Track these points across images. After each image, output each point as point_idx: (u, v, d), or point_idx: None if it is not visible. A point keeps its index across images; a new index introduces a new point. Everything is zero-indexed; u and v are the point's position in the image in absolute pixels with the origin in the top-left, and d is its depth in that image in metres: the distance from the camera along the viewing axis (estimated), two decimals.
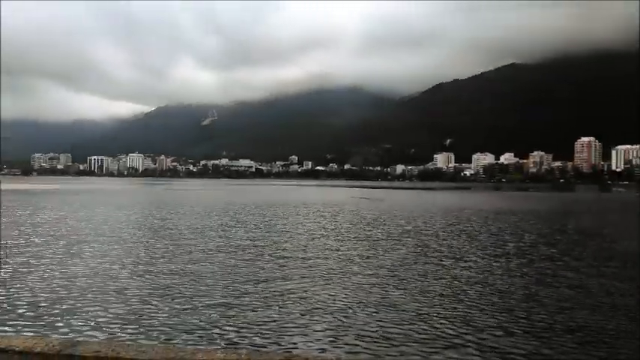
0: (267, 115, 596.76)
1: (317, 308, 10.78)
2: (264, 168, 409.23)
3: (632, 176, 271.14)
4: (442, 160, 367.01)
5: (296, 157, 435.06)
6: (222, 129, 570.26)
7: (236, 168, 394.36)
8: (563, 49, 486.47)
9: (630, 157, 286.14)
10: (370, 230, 27.04)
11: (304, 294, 12.04)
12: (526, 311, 10.72)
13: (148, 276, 13.89)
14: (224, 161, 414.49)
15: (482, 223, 32.78)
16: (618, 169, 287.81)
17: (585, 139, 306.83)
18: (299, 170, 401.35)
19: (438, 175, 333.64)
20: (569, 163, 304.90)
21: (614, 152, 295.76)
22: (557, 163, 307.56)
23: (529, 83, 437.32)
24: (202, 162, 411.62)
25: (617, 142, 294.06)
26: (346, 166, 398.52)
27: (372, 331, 9.25)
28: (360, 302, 11.35)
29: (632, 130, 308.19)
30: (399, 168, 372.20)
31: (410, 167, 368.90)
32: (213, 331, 9.23)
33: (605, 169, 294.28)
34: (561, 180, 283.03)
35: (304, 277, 14.00)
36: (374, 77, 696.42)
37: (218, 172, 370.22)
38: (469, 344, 8.59)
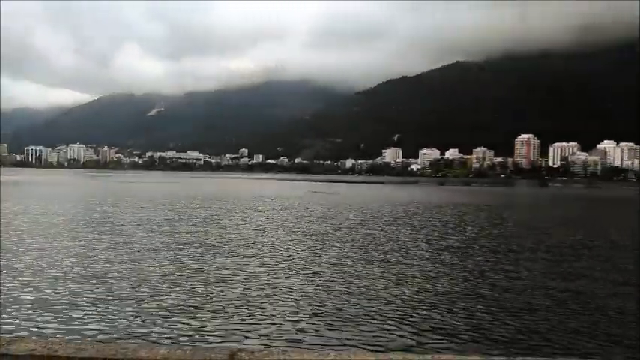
0: (216, 107, 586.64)
1: (263, 303, 10.73)
2: (213, 161, 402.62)
3: (567, 172, 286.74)
4: (390, 155, 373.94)
5: (246, 150, 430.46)
6: (169, 120, 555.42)
7: (184, 160, 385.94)
8: (506, 49, 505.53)
9: (566, 154, 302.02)
10: (319, 224, 27.18)
11: (251, 289, 11.95)
12: (465, 301, 11.11)
13: (87, 272, 13.36)
14: (171, 153, 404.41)
15: (427, 216, 33.68)
16: (555, 166, 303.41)
17: (525, 136, 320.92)
18: (249, 163, 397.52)
19: (386, 169, 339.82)
20: (510, 160, 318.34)
21: (551, 149, 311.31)
22: (499, 160, 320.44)
23: (473, 81, 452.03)
24: (148, 154, 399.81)
25: (555, 140, 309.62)
26: (297, 160, 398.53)
27: (316, 324, 9.30)
28: (306, 296, 11.39)
29: (568, 128, 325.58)
30: (349, 162, 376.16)
31: (360, 162, 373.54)
32: (157, 327, 9.00)
33: (543, 165, 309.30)
34: (502, 175, 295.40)
35: (251, 272, 13.90)
36: (325, 71, 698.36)
37: (165, 165, 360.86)
38: (410, 336, 8.80)
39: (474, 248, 19.64)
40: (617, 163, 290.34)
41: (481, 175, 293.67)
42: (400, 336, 8.78)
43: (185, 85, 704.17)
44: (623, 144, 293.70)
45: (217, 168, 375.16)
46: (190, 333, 8.81)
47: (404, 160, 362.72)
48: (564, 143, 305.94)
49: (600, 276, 14.43)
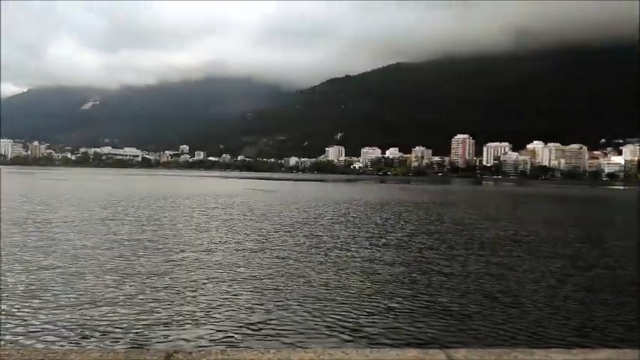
0: (155, 102, 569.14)
1: (201, 303, 10.55)
2: (151, 157, 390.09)
3: (500, 171, 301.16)
4: (334, 153, 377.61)
5: (187, 147, 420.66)
6: (104, 114, 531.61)
7: (120, 157, 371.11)
8: (445, 50, 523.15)
9: (499, 154, 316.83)
10: (261, 222, 27.03)
11: (189, 289, 11.72)
12: (402, 297, 11.43)
13: (12, 273, 12.59)
14: (107, 149, 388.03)
15: (368, 214, 34.32)
16: (489, 165, 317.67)
17: (461, 136, 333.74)
18: (190, 160, 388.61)
19: (329, 167, 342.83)
20: (447, 158, 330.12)
21: (485, 149, 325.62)
22: (436, 158, 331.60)
23: (413, 82, 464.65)
24: (82, 150, 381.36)
25: (488, 140, 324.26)
26: (240, 157, 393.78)
27: (257, 323, 9.27)
28: (246, 295, 11.31)
29: (501, 129, 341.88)
30: (293, 160, 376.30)
31: (303, 159, 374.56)
32: (89, 330, 8.65)
33: (478, 164, 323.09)
34: (439, 174, 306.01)
35: (190, 272, 13.61)
36: (269, 69, 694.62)
37: (100, 161, 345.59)
38: (349, 332, 8.95)
39: (412, 245, 20.21)
40: (545, 163, 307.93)
41: (420, 174, 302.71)
42: (340, 332, 8.90)
43: (122, 79, 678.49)
44: (550, 144, 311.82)
45: (156, 165, 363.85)
46: (125, 335, 8.52)
47: (347, 158, 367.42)
48: (497, 143, 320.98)
49: (529, 268, 15.27)
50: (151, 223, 24.83)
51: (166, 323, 9.16)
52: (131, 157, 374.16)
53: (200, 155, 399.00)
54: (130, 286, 11.83)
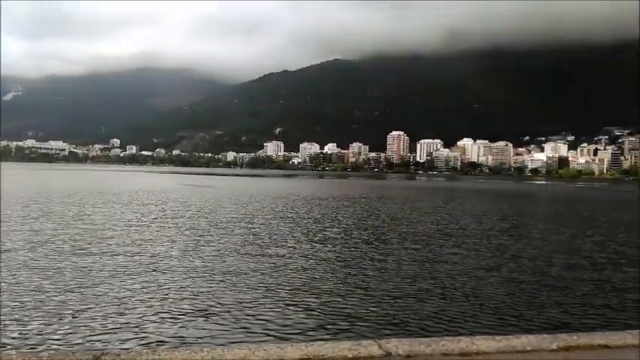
0: (85, 93, 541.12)
1: (132, 302, 10.20)
2: (79, 152, 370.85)
3: (432, 166, 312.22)
4: (272, 149, 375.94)
5: (118, 141, 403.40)
6: (28, 106, 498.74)
7: (45, 151, 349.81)
8: (380, 49, 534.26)
9: (431, 150, 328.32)
10: (196, 219, 26.46)
11: (119, 288, 11.28)
12: (338, 290, 11.61)
13: None
14: (30, 142, 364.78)
15: (307, 209, 34.49)
16: (422, 160, 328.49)
17: (395, 133, 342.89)
18: (121, 155, 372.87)
19: (268, 162, 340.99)
20: (382, 154, 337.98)
21: (418, 145, 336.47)
22: (373, 154, 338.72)
23: (350, 79, 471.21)
24: (2, 143, 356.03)
25: (422, 137, 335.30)
26: (174, 152, 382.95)
27: (190, 322, 9.09)
28: (179, 293, 11.05)
29: (433, 125, 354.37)
30: (230, 155, 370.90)
31: (241, 154, 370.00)
32: (11, 332, 8.13)
33: (412, 159, 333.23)
34: (376, 169, 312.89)
35: (118, 272, 13.09)
36: (205, 61, 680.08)
37: (22, 155, 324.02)
38: (285, 328, 8.98)
39: (348, 240, 20.54)
40: (474, 159, 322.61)
41: (357, 169, 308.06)
42: (275, 328, 8.90)
43: (48, 69, 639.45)
44: (479, 141, 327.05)
45: (85, 159, 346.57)
46: (51, 337, 8.09)
47: (285, 153, 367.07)
48: (430, 140, 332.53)
49: (458, 260, 15.96)
50: (77, 221, 23.64)
51: (94, 325, 8.78)
52: (57, 151, 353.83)
53: (132, 149, 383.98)
54: (54, 287, 11.22)
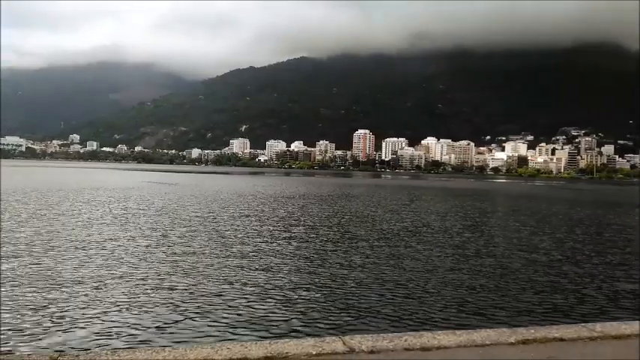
0: (43, 87, 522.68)
1: (91, 302, 9.91)
2: (37, 148, 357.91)
3: (397, 165, 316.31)
4: (238, 146, 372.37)
5: (77, 137, 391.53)
6: None
7: (1, 146, 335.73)
8: (347, 48, 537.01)
9: (396, 149, 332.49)
10: (159, 217, 25.97)
11: (76, 288, 10.95)
12: (302, 289, 11.62)
13: None
14: None
15: (273, 207, 34.35)
16: (387, 159, 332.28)
17: (361, 131, 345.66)
18: (81, 151, 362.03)
19: (234, 160, 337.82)
20: (349, 152, 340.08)
21: (384, 144, 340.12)
22: (339, 152, 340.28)
23: (317, 77, 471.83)
24: None
25: (387, 136, 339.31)
26: (137, 148, 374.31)
27: (152, 322, 8.91)
28: (139, 293, 10.82)
29: (398, 124, 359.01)
30: (195, 152, 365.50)
31: (206, 151, 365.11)
32: None
33: (377, 158, 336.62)
34: (342, 167, 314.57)
35: (77, 271, 12.72)
36: (169, 56, 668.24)
37: None
38: (248, 326, 8.93)
39: (314, 238, 20.58)
40: (438, 157, 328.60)
41: (323, 167, 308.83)
42: (239, 327, 8.84)
43: (4, 61, 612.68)
44: (442, 140, 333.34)
45: (43, 156, 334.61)
46: (6, 339, 7.78)
47: (251, 150, 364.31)
48: (395, 139, 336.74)
49: (422, 257, 16.22)
50: (33, 219, 22.82)
51: (52, 326, 8.49)
52: (13, 147, 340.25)
53: (92, 146, 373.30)
54: (10, 287, 10.79)
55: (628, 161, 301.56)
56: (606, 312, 10.55)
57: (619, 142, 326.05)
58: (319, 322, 9.20)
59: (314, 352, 4.37)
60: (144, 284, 11.60)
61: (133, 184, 60.38)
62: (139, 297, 10.50)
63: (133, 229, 21.06)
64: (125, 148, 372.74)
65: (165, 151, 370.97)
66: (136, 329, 8.56)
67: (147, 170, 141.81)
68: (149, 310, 9.64)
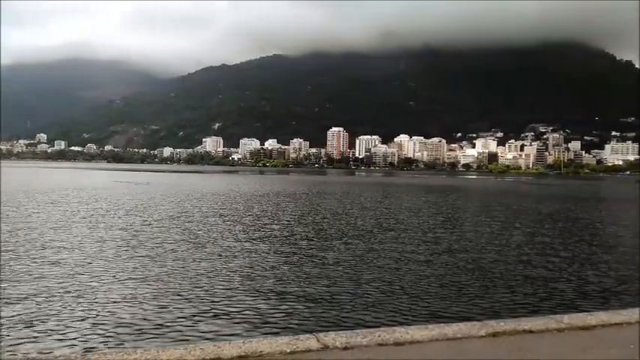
0: (9, 85, 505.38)
1: (55, 308, 9.67)
2: (3, 147, 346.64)
3: (371, 162, 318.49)
4: (211, 144, 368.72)
5: (45, 136, 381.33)
6: None
7: None
8: (319, 45, 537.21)
9: (370, 146, 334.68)
10: (129, 217, 25.50)
11: (42, 291, 10.66)
12: (276, 287, 11.58)
13: None
14: None
15: (246, 205, 34.13)
16: (361, 156, 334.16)
17: (335, 129, 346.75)
18: (49, 151, 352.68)
19: (206, 158, 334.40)
20: (323, 150, 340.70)
21: (357, 141, 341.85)
22: (313, 150, 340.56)
23: (290, 75, 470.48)
24: None
25: (360, 133, 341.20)
26: (107, 148, 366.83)
27: (124, 322, 8.75)
28: (110, 296, 10.61)
29: (372, 122, 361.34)
30: (167, 150, 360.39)
31: (178, 150, 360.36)
32: None
33: (351, 155, 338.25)
34: (316, 165, 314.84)
35: (44, 273, 12.38)
36: (140, 53, 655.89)
37: None
38: (221, 325, 8.86)
39: (288, 236, 20.54)
40: (410, 154, 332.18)
41: (298, 165, 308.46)
42: (212, 327, 8.75)
43: None
44: (415, 138, 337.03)
45: (8, 155, 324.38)
46: None
47: (225, 149, 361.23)
48: (368, 136, 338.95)
49: (396, 254, 16.36)
50: None
51: (18, 331, 8.24)
52: None
53: (61, 145, 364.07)
54: None
55: (594, 157, 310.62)
56: (574, 304, 10.84)
57: (585, 138, 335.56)
58: (294, 321, 9.18)
59: (288, 350, 4.39)
60: (114, 286, 11.37)
61: (102, 184, 59.13)
62: (109, 298, 10.29)
63: (103, 230, 20.62)
64: (94, 147, 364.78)
65: (136, 150, 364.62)
66: (107, 331, 8.39)
67: (117, 170, 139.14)
68: (120, 311, 9.46)
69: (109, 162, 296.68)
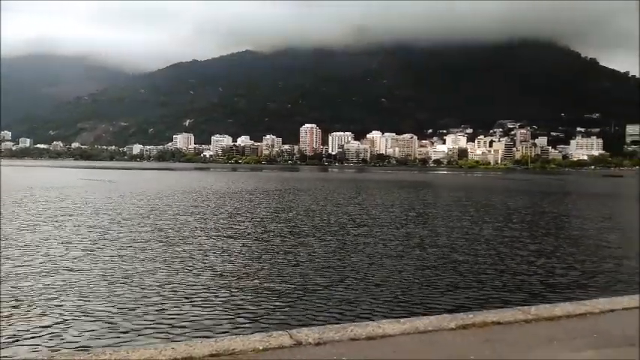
0: None
1: (20, 309, 9.40)
2: None
3: (343, 158, 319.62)
4: (182, 141, 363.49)
5: (9, 133, 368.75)
6: None
7: None
8: (291, 42, 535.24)
9: (342, 143, 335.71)
10: (97, 216, 24.96)
11: (8, 294, 10.35)
12: (248, 286, 11.53)
13: None
14: None
15: (219, 203, 33.82)
16: (334, 153, 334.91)
17: (308, 125, 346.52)
18: (13, 148, 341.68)
19: (177, 155, 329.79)
20: (296, 147, 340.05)
21: (330, 138, 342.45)
22: (286, 147, 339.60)
23: (262, 71, 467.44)
24: None
25: (333, 130, 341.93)
26: (74, 145, 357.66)
27: (88, 326, 8.57)
28: (75, 298, 10.38)
29: (344, 118, 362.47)
30: (137, 148, 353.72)
31: (148, 147, 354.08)
32: None
33: (324, 152, 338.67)
34: (289, 162, 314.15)
35: (10, 274, 12.01)
36: (108, 49, 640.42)
37: None
38: (194, 325, 8.77)
39: (261, 233, 20.45)
40: (382, 151, 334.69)
41: (271, 162, 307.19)
42: (184, 326, 8.66)
43: None
44: (387, 134, 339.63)
45: None
46: None
47: (196, 146, 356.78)
48: (341, 133, 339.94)
49: (369, 249, 16.48)
50: None
51: None
52: None
53: (26, 142, 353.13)
54: None
55: (560, 152, 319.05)
56: (541, 295, 11.13)
57: (552, 134, 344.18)
58: (267, 318, 9.16)
59: (261, 347, 4.39)
60: (81, 286, 11.12)
61: (70, 183, 57.67)
62: (77, 299, 10.06)
63: (70, 229, 20.12)
64: (61, 144, 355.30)
65: (105, 147, 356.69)
66: (75, 333, 8.21)
67: (85, 167, 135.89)
68: (87, 312, 9.26)
69: (76, 159, 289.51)
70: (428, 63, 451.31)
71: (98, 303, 9.87)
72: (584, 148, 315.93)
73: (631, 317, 5.60)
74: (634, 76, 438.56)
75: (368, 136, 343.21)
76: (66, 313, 9.17)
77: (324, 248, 16.66)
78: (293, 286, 11.52)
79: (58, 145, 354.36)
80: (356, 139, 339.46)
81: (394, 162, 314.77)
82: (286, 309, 9.75)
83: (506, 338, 4.82)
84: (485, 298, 10.86)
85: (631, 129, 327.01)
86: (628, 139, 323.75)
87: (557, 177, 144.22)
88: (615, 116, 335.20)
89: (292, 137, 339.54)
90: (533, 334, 4.99)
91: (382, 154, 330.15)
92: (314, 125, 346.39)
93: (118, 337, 8.07)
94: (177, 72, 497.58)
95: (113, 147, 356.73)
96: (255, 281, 11.91)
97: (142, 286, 11.20)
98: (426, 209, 33.37)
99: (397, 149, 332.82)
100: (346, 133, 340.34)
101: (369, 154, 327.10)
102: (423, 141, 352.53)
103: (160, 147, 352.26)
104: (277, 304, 10.08)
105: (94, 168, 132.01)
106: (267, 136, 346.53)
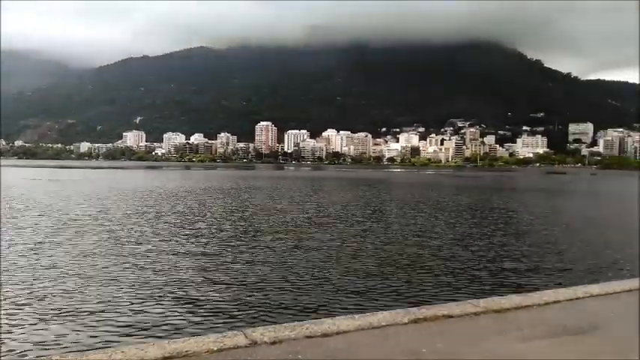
0: None
1: None
2: None
3: (299, 156, 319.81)
4: (132, 139, 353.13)
5: None
6: None
7: None
8: (246, 39, 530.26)
9: (298, 141, 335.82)
10: (42, 217, 23.88)
11: None
12: (202, 287, 11.35)
13: None
14: None
15: (171, 202, 33.08)
16: (290, 151, 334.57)
17: (264, 123, 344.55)
18: None
19: (128, 154, 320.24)
20: (251, 145, 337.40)
21: (286, 136, 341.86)
22: (241, 145, 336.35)
23: (216, 67, 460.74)
24: None
25: (289, 128, 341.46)
26: (17, 143, 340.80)
27: (34, 329, 8.20)
28: (20, 300, 9.91)
29: (300, 116, 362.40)
30: (84, 146, 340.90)
31: (97, 145, 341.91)
32: None
33: (280, 150, 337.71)
34: (244, 160, 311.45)
35: None
36: (53, 43, 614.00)
37: None
38: (147, 327, 8.56)
39: (215, 234, 20.17)
40: (338, 149, 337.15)
41: (226, 160, 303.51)
42: (135, 329, 8.43)
43: None
44: (342, 132, 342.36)
45: None
46: None
47: (147, 144, 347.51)
48: (296, 131, 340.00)
49: (325, 247, 16.54)
50: None
51: None
52: None
53: None
54: None
55: (507, 150, 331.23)
56: (491, 288, 11.52)
57: (499, 132, 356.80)
58: (221, 319, 9.04)
59: (215, 348, 4.33)
60: (29, 290, 10.61)
61: (12, 182, 54.88)
62: (23, 305, 9.59)
63: (11, 231, 19.16)
64: (3, 142, 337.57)
65: (50, 145, 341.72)
66: (21, 339, 7.82)
67: (29, 166, 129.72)
68: (31, 317, 8.85)
69: (19, 158, 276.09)
70: (382, 62, 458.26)
71: (42, 308, 9.45)
72: (530, 146, 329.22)
73: (574, 307, 5.91)
74: (576, 77, 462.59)
75: (323, 134, 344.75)
76: (6, 319, 8.72)
77: (279, 247, 16.61)
78: (247, 285, 11.43)
79: (1, 143, 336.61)
80: (312, 137, 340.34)
81: (349, 160, 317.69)
82: (241, 309, 9.66)
83: (457, 331, 4.96)
84: (437, 292, 11.13)
85: (573, 128, 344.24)
86: (570, 138, 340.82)
87: (504, 174, 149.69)
88: (559, 115, 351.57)
89: (247, 135, 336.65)
90: (482, 326, 5.13)
91: (337, 152, 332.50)
92: (269, 123, 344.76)
93: (66, 344, 7.76)
94: (127, 67, 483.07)
95: (59, 145, 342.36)
96: (209, 282, 11.73)
97: (90, 289, 10.80)
98: (380, 206, 33.85)
99: (352, 147, 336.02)
100: (302, 131, 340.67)
101: (324, 153, 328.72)
102: (377, 139, 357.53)
103: (109, 145, 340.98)
104: (232, 304, 9.96)
105: (38, 167, 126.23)
106: (222, 134, 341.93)
